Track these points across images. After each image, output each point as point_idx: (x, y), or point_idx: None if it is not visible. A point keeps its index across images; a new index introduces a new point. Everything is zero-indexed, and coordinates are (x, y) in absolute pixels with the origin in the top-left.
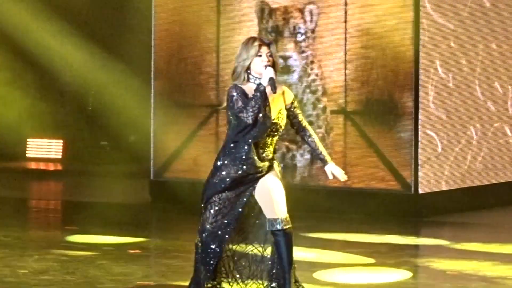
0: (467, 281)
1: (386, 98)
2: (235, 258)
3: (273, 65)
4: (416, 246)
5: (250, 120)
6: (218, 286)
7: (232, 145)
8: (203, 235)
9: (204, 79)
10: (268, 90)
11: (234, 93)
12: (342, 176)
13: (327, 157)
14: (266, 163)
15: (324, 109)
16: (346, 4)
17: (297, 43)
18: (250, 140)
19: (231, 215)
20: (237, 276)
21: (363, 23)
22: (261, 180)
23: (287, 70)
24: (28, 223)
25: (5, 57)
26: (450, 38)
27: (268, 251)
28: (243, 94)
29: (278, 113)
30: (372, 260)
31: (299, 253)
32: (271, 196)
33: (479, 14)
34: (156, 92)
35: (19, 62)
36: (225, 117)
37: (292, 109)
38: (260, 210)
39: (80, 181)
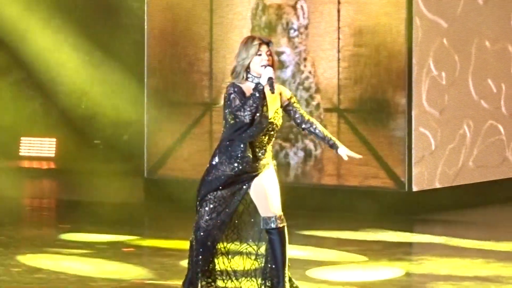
0: (460, 279)
1: (380, 96)
2: (230, 256)
3: (272, 64)
4: (409, 244)
5: (247, 119)
6: (212, 283)
7: (227, 143)
8: (198, 232)
9: (198, 77)
10: (267, 90)
11: (232, 92)
12: (356, 155)
13: (337, 142)
14: (262, 162)
15: (317, 106)
16: (339, 2)
17: (290, 39)
18: (246, 139)
19: (226, 213)
20: (231, 274)
21: (356, 21)
22: (256, 179)
23: (280, 65)
24: (21, 221)
25: None
26: (443, 36)
27: (262, 249)
28: (241, 92)
29: (275, 113)
30: (365, 258)
31: (292, 251)
32: (265, 195)
33: (472, 12)
34: (149, 91)
35: (12, 60)
36: (218, 115)
37: (291, 105)
38: (255, 208)
39: (74, 179)
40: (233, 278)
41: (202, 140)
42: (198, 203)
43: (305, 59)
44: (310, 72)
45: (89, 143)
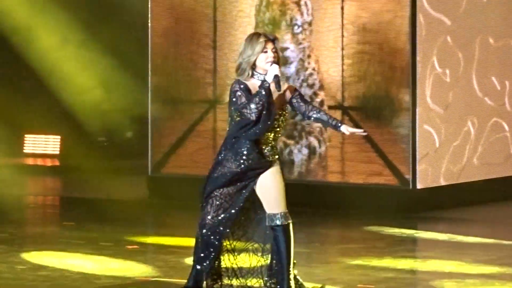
0: (464, 276)
1: (383, 94)
2: (235, 253)
3: (278, 61)
4: (413, 241)
5: (253, 117)
6: (218, 281)
7: (233, 140)
8: (204, 229)
9: (201, 75)
10: (273, 87)
11: (238, 89)
12: (358, 130)
13: (339, 121)
14: (268, 159)
15: (321, 103)
16: (342, 0)
17: (294, 35)
18: (252, 137)
19: (232, 209)
20: (237, 271)
21: (360, 18)
22: (262, 175)
23: (284, 61)
24: (25, 219)
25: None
26: (447, 33)
27: (268, 246)
28: (247, 89)
29: (280, 110)
30: (369, 255)
31: (296, 249)
32: (271, 192)
33: (475, 9)
34: (153, 88)
35: (15, 58)
36: (222, 113)
37: (295, 97)
38: (261, 206)
39: (78, 177)
40: (239, 276)
41: (206, 137)
42: (203, 200)
43: (309, 56)
44: (314, 69)
45: (94, 141)
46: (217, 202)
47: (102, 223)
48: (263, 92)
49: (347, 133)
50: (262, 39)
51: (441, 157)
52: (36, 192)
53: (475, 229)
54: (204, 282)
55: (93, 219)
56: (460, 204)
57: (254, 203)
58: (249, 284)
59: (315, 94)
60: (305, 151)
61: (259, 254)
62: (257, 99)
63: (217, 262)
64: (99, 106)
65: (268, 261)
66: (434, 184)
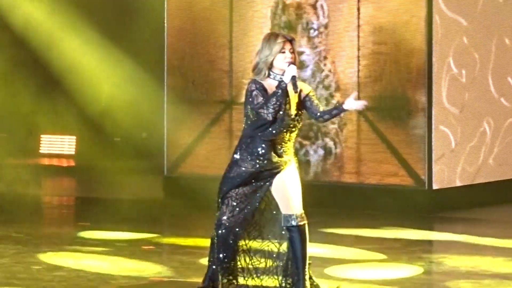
0: (480, 277)
1: (399, 94)
2: (251, 253)
3: (294, 61)
4: (429, 242)
5: (270, 117)
6: (233, 281)
7: (249, 140)
8: (220, 229)
9: (217, 75)
10: (290, 88)
11: (254, 89)
12: (359, 102)
13: (340, 105)
14: (284, 159)
15: None
16: (358, 0)
17: (310, 38)
18: (268, 137)
19: (248, 209)
20: (253, 271)
21: (376, 19)
22: (278, 176)
23: (300, 65)
24: (41, 219)
25: (18, 53)
26: (463, 34)
27: (284, 246)
28: (263, 89)
29: (297, 110)
30: (384, 256)
31: (312, 249)
32: (287, 192)
33: (491, 10)
34: (169, 88)
35: (32, 59)
36: (238, 113)
37: (309, 97)
38: (277, 206)
39: (93, 177)
40: (254, 276)
41: (222, 138)
42: (219, 200)
43: (325, 57)
44: (330, 71)
45: (109, 141)
46: (233, 203)
47: (118, 223)
48: (280, 93)
49: (351, 109)
50: (280, 40)
51: (457, 157)
52: (51, 192)
53: (491, 229)
54: (220, 282)
55: (108, 219)
56: (476, 204)
57: (271, 203)
58: (264, 284)
59: (331, 95)
60: (321, 151)
61: (275, 255)
62: (274, 99)
63: (233, 262)
64: (114, 106)
65: (284, 262)
66: (450, 184)
